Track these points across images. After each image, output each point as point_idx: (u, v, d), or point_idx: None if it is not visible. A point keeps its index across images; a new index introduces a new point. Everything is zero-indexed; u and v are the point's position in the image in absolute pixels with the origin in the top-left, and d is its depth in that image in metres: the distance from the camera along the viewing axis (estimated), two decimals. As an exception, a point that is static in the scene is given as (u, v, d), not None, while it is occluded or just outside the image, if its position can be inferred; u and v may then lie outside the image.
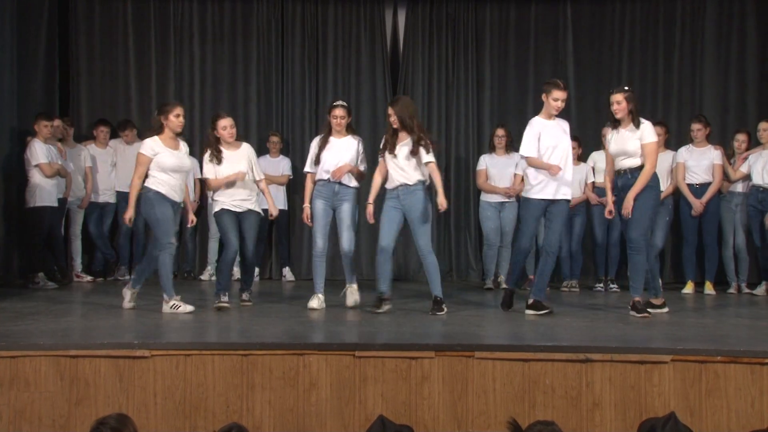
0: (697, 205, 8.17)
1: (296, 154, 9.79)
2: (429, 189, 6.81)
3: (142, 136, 9.47)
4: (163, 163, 6.64)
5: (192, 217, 7.29)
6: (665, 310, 6.76)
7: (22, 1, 8.78)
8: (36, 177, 8.37)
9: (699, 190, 8.31)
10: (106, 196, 9.27)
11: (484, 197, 8.94)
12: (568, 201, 6.75)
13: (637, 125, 6.53)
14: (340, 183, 6.96)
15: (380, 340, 5.39)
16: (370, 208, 6.86)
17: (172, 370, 5.07)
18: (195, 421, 5.04)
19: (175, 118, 6.72)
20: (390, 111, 6.80)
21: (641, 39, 9.73)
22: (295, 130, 9.89)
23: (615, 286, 8.64)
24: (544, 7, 9.83)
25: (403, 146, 6.71)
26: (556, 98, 6.60)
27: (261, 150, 9.67)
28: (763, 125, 8.35)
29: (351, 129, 7.16)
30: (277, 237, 9.64)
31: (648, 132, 6.53)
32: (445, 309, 6.64)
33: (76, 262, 9.02)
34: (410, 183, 6.69)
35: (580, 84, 9.73)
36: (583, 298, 7.98)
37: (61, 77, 9.56)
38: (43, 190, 8.37)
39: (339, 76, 9.87)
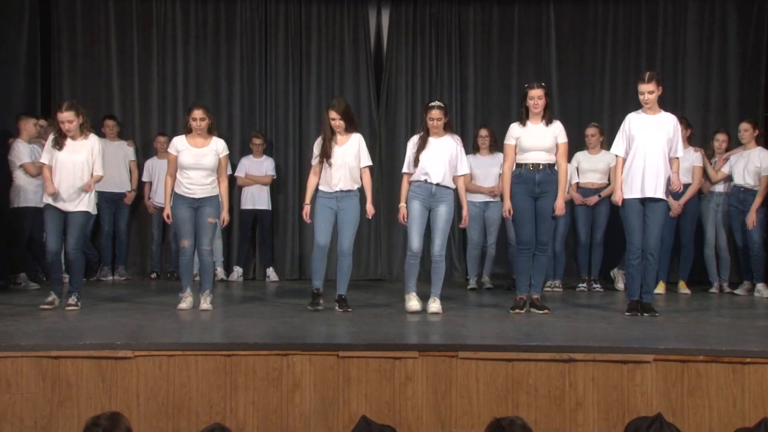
0: (675, 206, 8.20)
1: (279, 154, 9.78)
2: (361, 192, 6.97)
3: (125, 135, 9.52)
4: (181, 162, 6.84)
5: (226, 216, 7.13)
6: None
7: (2, 1, 8.71)
8: (20, 178, 8.32)
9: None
10: (88, 197, 9.21)
11: (469, 197, 8.90)
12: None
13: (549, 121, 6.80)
14: (438, 184, 6.74)
15: (364, 340, 5.38)
16: (307, 209, 6.92)
17: (155, 371, 5.05)
18: (178, 421, 5.02)
19: (192, 122, 6.87)
20: (334, 114, 6.84)
21: (624, 40, 9.78)
22: (279, 130, 9.87)
23: (598, 286, 8.68)
24: (527, 8, 9.86)
25: (347, 149, 6.86)
26: (641, 92, 6.63)
27: (244, 150, 9.66)
28: (743, 125, 8.42)
29: (449, 128, 6.93)
30: (260, 237, 9.61)
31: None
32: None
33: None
34: (351, 188, 6.87)
35: (563, 85, 9.76)
36: (566, 298, 8.01)
37: (42, 77, 9.48)
38: (27, 191, 8.31)
39: (323, 76, 9.85)
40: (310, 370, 5.07)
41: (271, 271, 9.53)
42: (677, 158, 6.73)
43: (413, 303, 6.73)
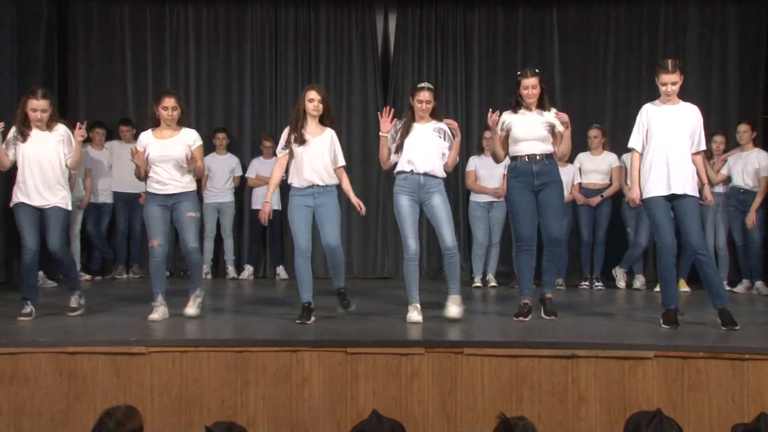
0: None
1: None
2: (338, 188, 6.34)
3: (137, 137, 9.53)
4: (149, 157, 6.16)
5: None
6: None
7: (21, 7, 8.75)
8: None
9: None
10: (104, 197, 9.25)
11: (473, 197, 8.96)
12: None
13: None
14: (425, 174, 6.01)
15: (371, 337, 5.39)
16: (267, 207, 6.25)
17: (168, 367, 5.08)
18: (191, 416, 5.05)
19: (163, 110, 6.17)
20: (314, 95, 6.08)
21: (625, 43, 9.76)
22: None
23: (600, 284, 8.67)
24: (531, 11, 9.84)
25: (320, 141, 6.11)
26: (664, 82, 5.94)
27: (255, 152, 9.68)
28: (742, 127, 8.40)
29: (436, 114, 6.20)
30: (270, 237, 9.62)
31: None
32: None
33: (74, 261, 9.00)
34: (327, 183, 6.14)
35: (566, 86, 9.75)
36: (569, 296, 8.00)
37: (59, 81, 9.52)
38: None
39: (331, 79, 9.86)
40: (318, 366, 5.09)
41: (281, 270, 9.54)
42: (702, 152, 6.01)
43: (413, 315, 6.01)
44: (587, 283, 8.70)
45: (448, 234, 6.01)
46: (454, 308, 6.04)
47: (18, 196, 6.14)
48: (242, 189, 9.62)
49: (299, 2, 9.84)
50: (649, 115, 5.99)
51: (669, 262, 5.85)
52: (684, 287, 8.40)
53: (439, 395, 5.05)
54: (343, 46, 9.88)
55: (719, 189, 8.46)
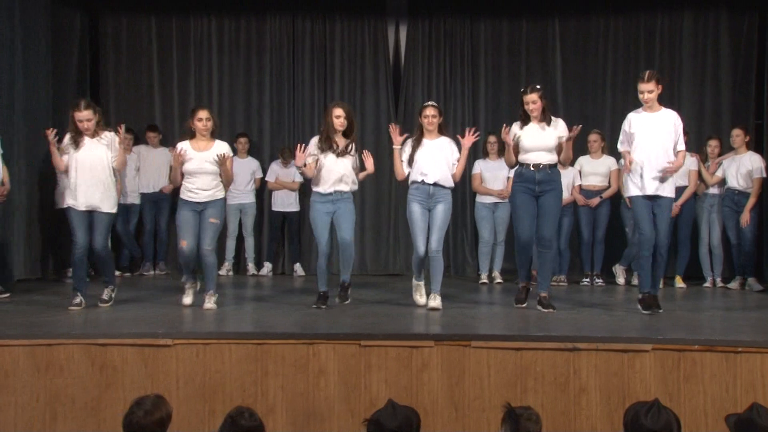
0: (673, 207, 8.13)
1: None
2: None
3: (166, 142, 9.57)
4: (185, 167, 6.43)
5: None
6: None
7: (56, 20, 8.83)
8: (65, 180, 8.35)
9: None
10: (132, 198, 9.28)
11: (479, 199, 8.95)
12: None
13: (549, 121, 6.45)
14: (435, 184, 6.41)
15: (384, 330, 5.39)
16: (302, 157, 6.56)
17: (192, 358, 5.09)
18: (213, 404, 5.06)
19: (198, 122, 6.43)
20: (339, 112, 6.57)
21: (624, 53, 9.71)
22: (305, 138, 9.74)
23: (600, 280, 8.63)
24: (534, 22, 9.81)
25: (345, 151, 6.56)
26: (641, 91, 6.26)
27: (274, 156, 9.69)
28: (735, 132, 8.37)
29: (443, 129, 6.59)
30: (288, 236, 9.63)
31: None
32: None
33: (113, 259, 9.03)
34: (346, 190, 6.58)
35: (568, 94, 9.71)
36: (570, 292, 7.98)
37: (91, 89, 9.57)
38: (71, 193, 8.35)
39: (345, 88, 9.86)
40: (334, 357, 5.09)
41: (298, 267, 9.55)
42: (682, 151, 6.30)
43: (417, 296, 6.63)
44: (588, 279, 8.66)
45: (435, 239, 6.43)
46: (433, 302, 6.40)
47: (69, 200, 6.41)
48: (262, 190, 9.63)
49: (315, 15, 9.85)
50: (631, 122, 6.34)
51: (647, 252, 6.21)
52: (680, 283, 8.38)
53: (447, 385, 5.05)
54: (356, 56, 9.88)
55: (714, 190, 8.44)
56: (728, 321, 6.17)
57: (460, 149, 6.55)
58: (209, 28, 9.88)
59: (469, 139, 6.51)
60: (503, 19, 9.84)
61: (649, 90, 6.21)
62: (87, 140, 6.35)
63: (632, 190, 6.32)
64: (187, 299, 6.53)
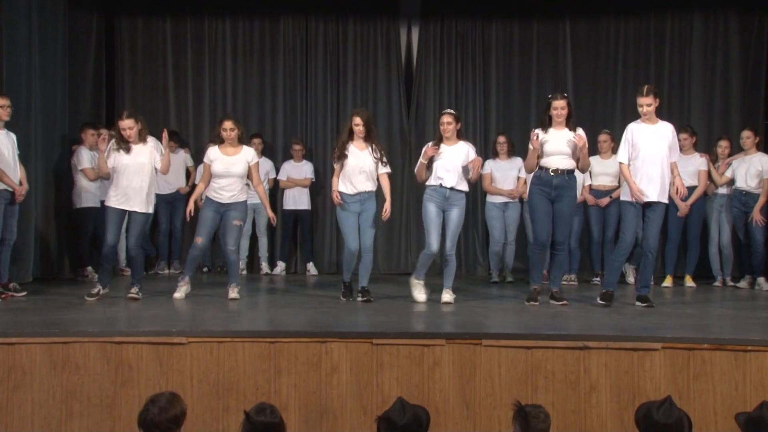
0: (683, 207, 8.12)
1: (318, 159, 9.80)
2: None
3: (181, 143, 9.60)
4: (213, 170, 6.84)
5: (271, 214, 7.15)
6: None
7: (72, 24, 8.86)
8: (81, 181, 8.44)
9: (684, 193, 8.28)
10: (148, 198, 9.31)
11: (490, 199, 8.93)
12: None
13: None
14: (451, 188, 6.67)
15: (396, 329, 5.39)
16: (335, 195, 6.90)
17: (206, 356, 5.10)
18: (227, 401, 5.07)
19: (223, 132, 6.85)
20: (358, 120, 6.84)
21: (634, 54, 9.68)
22: (318, 137, 9.91)
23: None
24: (545, 24, 9.79)
25: (366, 154, 6.86)
26: (640, 104, 6.54)
27: (286, 156, 9.71)
28: (745, 133, 8.34)
29: (461, 135, 6.85)
30: (301, 235, 9.65)
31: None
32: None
33: (120, 257, 9.06)
34: (371, 189, 6.91)
35: (578, 95, 9.68)
36: (580, 290, 7.95)
37: (107, 91, 9.61)
38: (88, 193, 8.43)
39: (358, 89, 9.87)
40: (346, 355, 5.09)
41: (311, 266, 9.56)
42: (674, 162, 6.62)
43: (417, 293, 6.77)
44: (598, 279, 8.63)
45: (450, 241, 6.70)
46: (446, 296, 6.70)
47: (110, 200, 6.72)
48: (275, 190, 9.64)
49: (328, 16, 9.86)
50: (633, 132, 6.59)
51: (622, 256, 6.65)
52: (689, 282, 8.35)
53: (459, 383, 5.04)
54: (368, 57, 9.88)
55: (724, 190, 8.41)
56: (737, 320, 6.14)
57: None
58: (223, 30, 9.90)
59: (474, 174, 6.77)
60: (514, 20, 9.83)
61: (647, 103, 6.47)
62: (132, 146, 6.71)
63: (626, 195, 6.57)
64: (178, 294, 6.84)
